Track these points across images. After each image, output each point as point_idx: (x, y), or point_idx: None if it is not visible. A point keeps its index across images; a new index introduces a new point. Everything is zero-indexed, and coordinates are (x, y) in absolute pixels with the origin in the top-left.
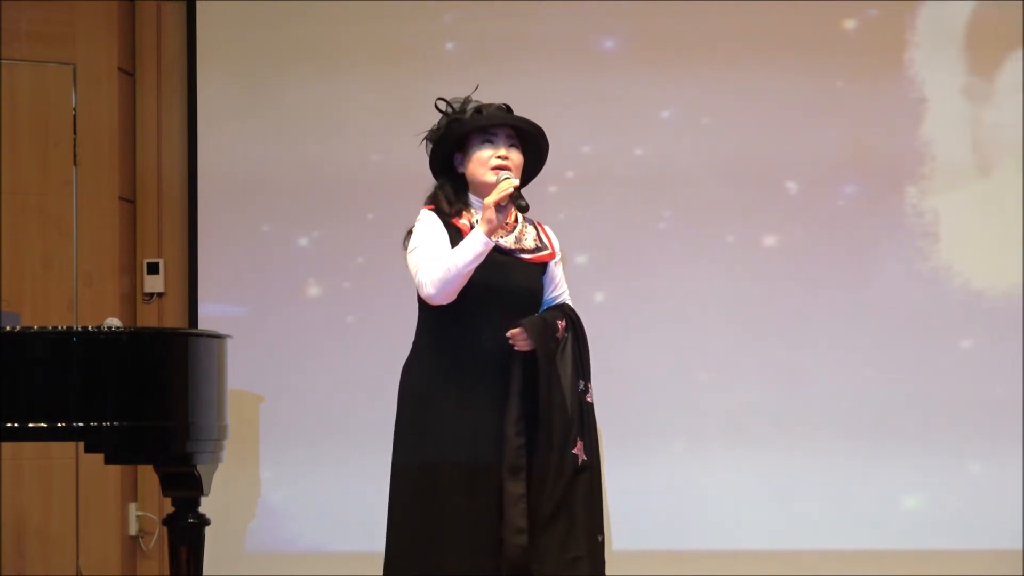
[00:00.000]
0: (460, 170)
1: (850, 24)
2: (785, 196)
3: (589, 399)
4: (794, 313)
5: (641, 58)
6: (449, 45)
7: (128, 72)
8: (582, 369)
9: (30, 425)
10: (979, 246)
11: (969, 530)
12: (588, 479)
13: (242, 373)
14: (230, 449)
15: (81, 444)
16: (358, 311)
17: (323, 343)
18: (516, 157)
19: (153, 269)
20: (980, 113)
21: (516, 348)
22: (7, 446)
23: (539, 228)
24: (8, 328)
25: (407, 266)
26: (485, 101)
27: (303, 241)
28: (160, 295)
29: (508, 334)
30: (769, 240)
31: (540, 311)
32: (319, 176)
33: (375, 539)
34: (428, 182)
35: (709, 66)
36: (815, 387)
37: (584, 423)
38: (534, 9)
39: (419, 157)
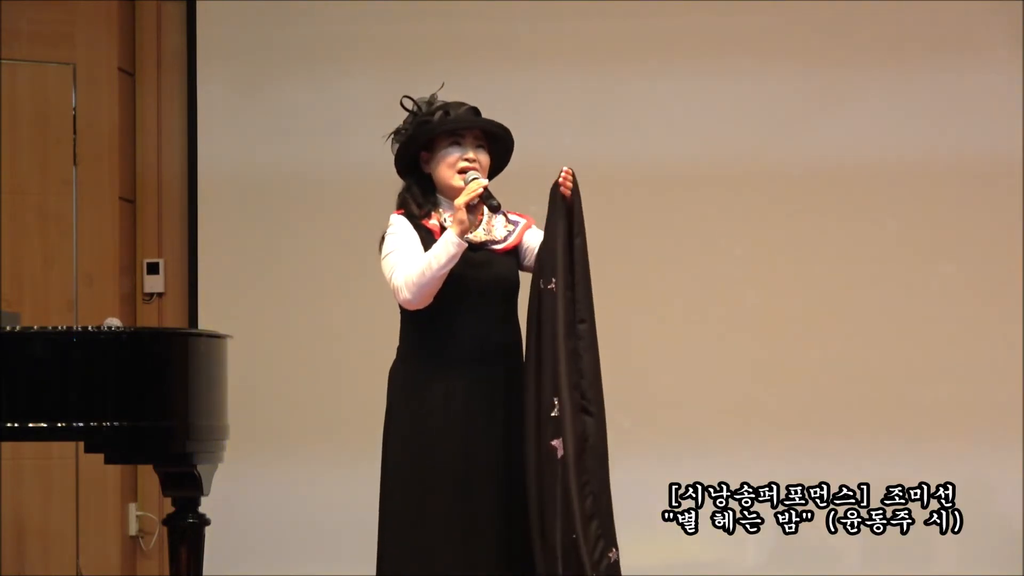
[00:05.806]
0: (426, 170)
1: (838, 27)
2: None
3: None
4: (791, 311)
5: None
6: (449, 45)
7: (128, 72)
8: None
9: (30, 425)
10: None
11: (969, 530)
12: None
13: (242, 373)
14: (230, 449)
15: (81, 444)
16: (359, 311)
17: (324, 343)
18: (483, 159)
19: (153, 269)
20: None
21: (562, 190)
22: (7, 446)
23: (505, 215)
24: (8, 328)
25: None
26: (478, 101)
27: (303, 241)
28: (160, 295)
29: (564, 169)
30: (768, 238)
31: (516, 300)
32: (319, 176)
33: (374, 538)
34: None
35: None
36: (816, 387)
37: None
38: (535, 10)
39: None
